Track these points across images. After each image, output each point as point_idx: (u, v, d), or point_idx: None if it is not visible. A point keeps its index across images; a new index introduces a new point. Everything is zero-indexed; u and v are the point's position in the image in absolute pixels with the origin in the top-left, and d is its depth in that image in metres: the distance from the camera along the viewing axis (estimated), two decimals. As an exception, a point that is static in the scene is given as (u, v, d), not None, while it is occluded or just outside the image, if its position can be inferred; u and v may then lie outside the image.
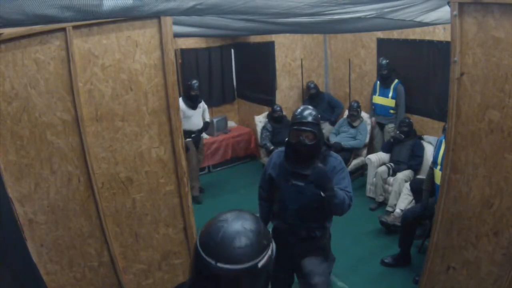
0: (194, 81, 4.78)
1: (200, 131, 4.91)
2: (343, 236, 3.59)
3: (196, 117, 4.79)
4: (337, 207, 1.95)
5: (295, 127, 2.04)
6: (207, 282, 0.89)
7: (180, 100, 4.64)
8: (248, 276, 0.88)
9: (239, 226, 0.90)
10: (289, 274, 2.31)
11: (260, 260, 0.89)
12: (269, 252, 0.93)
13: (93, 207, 2.29)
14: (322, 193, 1.93)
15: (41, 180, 2.15)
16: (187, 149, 4.74)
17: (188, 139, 4.70)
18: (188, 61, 5.84)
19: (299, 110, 2.10)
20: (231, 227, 0.89)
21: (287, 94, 5.86)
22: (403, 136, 4.35)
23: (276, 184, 2.19)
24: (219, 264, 0.86)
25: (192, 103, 4.73)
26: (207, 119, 5.00)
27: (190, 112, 4.70)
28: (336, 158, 2.13)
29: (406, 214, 3.32)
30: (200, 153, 5.01)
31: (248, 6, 1.90)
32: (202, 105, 4.91)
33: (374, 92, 4.95)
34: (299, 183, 2.06)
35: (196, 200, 4.71)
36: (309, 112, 2.06)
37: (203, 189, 5.13)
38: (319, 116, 2.15)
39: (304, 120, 2.03)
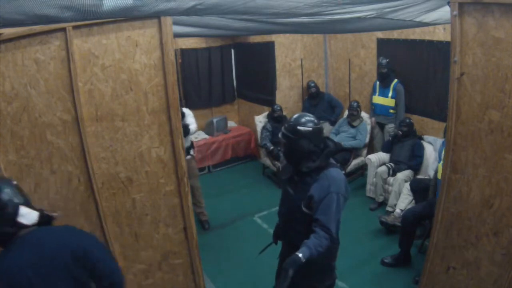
0: None
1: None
2: (343, 236, 3.57)
3: None
4: (317, 257, 1.82)
5: None
6: None
7: None
8: None
9: None
10: None
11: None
12: None
13: (93, 207, 2.29)
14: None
15: (41, 180, 2.15)
16: None
17: None
18: (188, 61, 5.84)
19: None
20: None
21: (287, 94, 5.85)
22: (400, 133, 4.35)
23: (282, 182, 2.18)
24: None
25: None
26: (192, 125, 3.96)
27: None
28: (328, 178, 1.88)
29: (406, 214, 3.32)
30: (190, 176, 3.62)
31: (248, 6, 1.90)
32: (185, 112, 3.95)
33: (373, 92, 4.95)
34: (289, 190, 2.03)
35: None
36: (290, 121, 1.97)
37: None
38: (296, 127, 1.92)
39: (282, 129, 1.97)
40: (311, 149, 1.92)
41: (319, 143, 1.95)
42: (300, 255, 1.74)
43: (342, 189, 1.88)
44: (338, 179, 1.89)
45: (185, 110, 4.14)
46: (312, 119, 1.96)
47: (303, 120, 1.94)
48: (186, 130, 3.89)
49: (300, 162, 1.94)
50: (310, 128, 1.92)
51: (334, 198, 1.85)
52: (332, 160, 2.00)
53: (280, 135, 1.98)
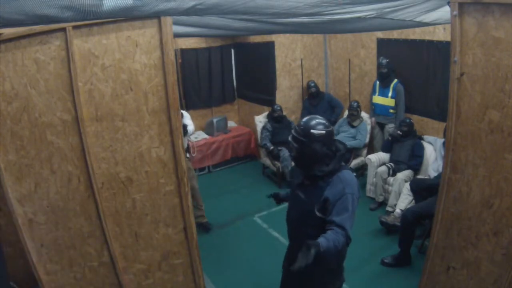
0: None
1: None
2: (343, 236, 3.59)
3: None
4: (334, 253, 1.76)
5: None
6: None
7: None
8: None
9: None
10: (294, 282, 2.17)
11: None
12: None
13: (93, 207, 2.29)
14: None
15: (41, 180, 2.15)
16: None
17: None
18: (188, 61, 5.84)
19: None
20: None
21: (287, 94, 5.86)
22: (400, 134, 4.35)
23: (290, 187, 2.14)
24: None
25: None
26: (189, 127, 4.00)
27: None
28: (341, 181, 1.85)
29: (405, 213, 3.32)
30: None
31: (248, 6, 1.90)
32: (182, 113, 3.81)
33: (373, 92, 4.95)
34: (300, 194, 1.98)
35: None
36: (300, 124, 1.94)
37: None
38: (309, 130, 1.87)
39: (293, 132, 1.93)
40: (324, 153, 1.88)
41: (332, 146, 1.92)
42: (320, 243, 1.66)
43: (355, 191, 1.86)
44: (351, 180, 1.87)
45: (183, 112, 4.15)
46: (324, 121, 1.92)
47: (314, 123, 1.89)
48: (184, 130, 3.90)
49: (312, 166, 1.89)
50: (323, 131, 1.87)
51: (349, 200, 1.82)
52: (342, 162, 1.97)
53: (290, 138, 1.93)
